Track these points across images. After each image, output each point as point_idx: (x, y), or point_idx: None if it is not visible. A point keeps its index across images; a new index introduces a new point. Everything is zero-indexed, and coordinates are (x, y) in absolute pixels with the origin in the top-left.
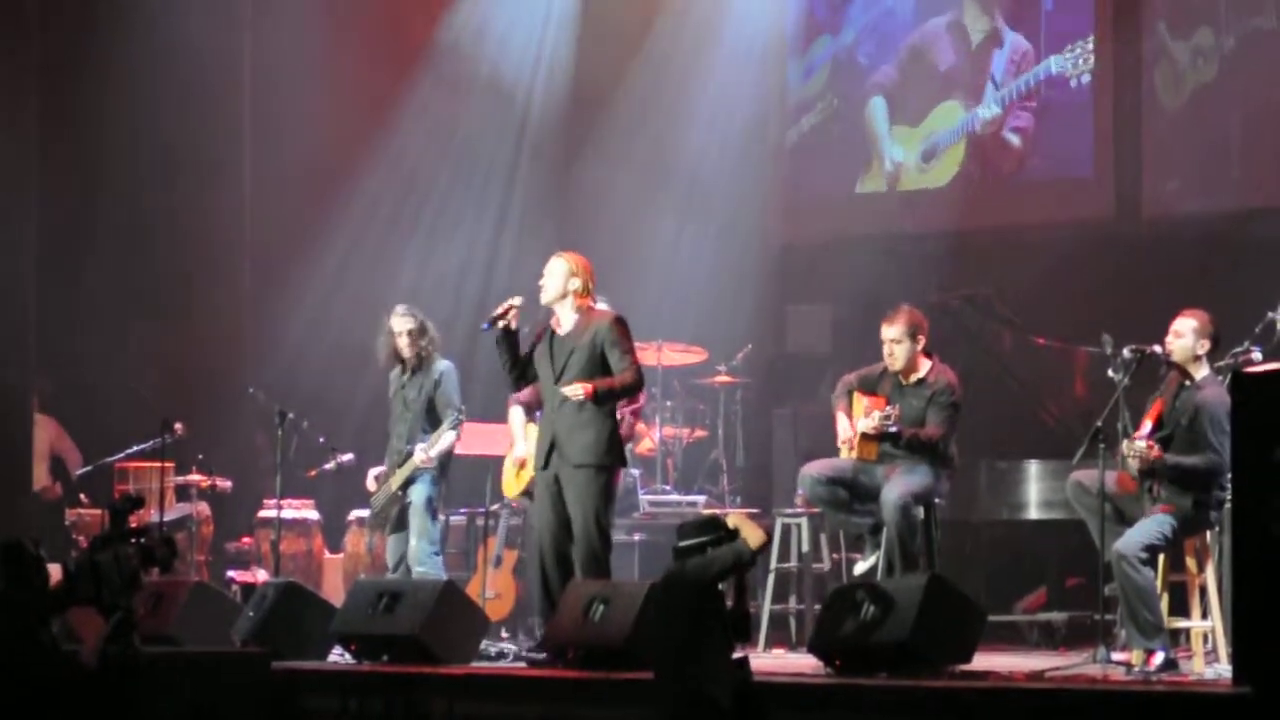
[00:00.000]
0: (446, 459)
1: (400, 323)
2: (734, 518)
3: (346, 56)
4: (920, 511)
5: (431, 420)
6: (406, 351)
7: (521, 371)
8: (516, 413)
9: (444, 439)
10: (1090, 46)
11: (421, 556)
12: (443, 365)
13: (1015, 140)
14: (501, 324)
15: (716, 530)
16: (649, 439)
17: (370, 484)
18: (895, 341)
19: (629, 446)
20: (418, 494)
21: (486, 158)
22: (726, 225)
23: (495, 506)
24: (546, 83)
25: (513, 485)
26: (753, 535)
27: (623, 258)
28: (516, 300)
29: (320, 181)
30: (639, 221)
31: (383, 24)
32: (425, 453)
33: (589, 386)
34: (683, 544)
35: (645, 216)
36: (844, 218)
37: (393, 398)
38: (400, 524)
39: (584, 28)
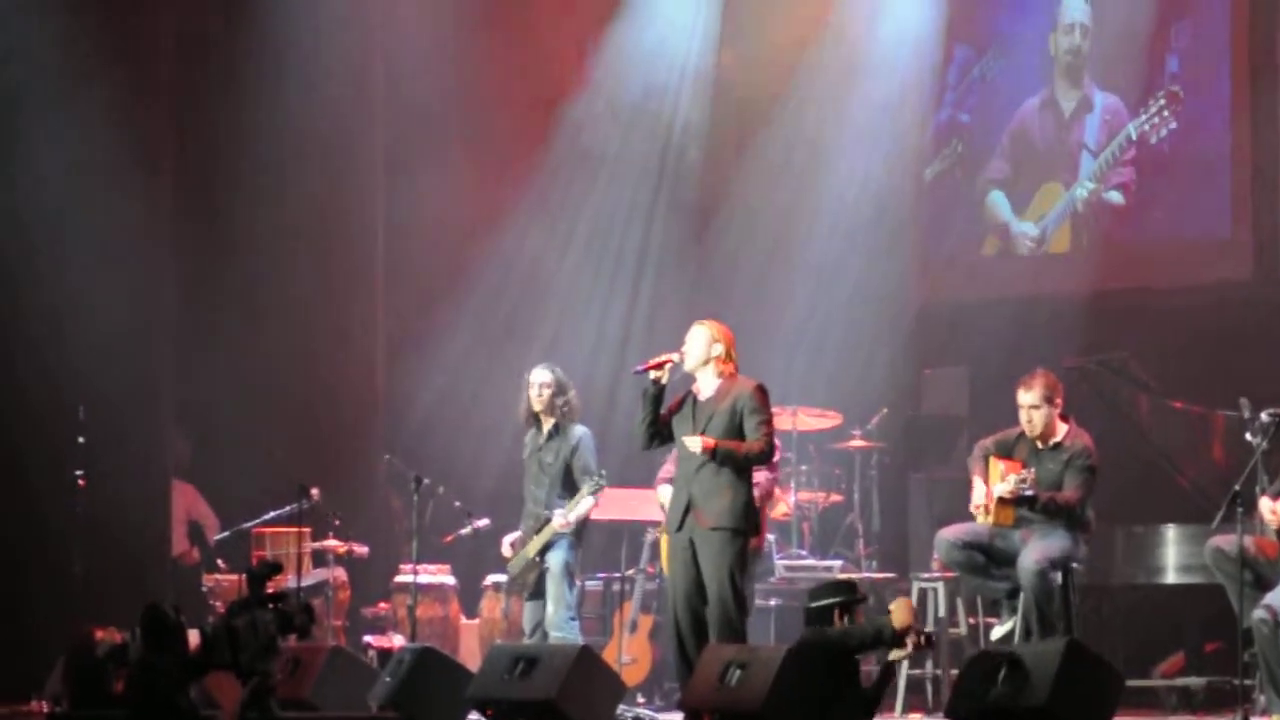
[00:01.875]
0: (583, 525)
1: (540, 376)
2: (901, 602)
3: (484, 106)
4: (1058, 576)
5: (568, 485)
6: (543, 408)
7: (656, 429)
8: (665, 490)
9: (582, 504)
10: (1161, 102)
11: (559, 622)
12: (580, 430)
13: (1118, 199)
14: (655, 375)
15: (848, 593)
16: (784, 503)
17: (506, 550)
18: (1033, 408)
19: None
20: (555, 560)
21: (624, 215)
22: (861, 286)
23: (631, 571)
24: (682, 134)
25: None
26: (900, 616)
27: (757, 319)
28: (675, 356)
29: (456, 240)
30: (773, 282)
31: (518, 74)
32: (564, 518)
33: (709, 441)
34: (814, 604)
35: (780, 277)
36: (979, 280)
37: (527, 459)
38: (537, 590)
39: (721, 75)
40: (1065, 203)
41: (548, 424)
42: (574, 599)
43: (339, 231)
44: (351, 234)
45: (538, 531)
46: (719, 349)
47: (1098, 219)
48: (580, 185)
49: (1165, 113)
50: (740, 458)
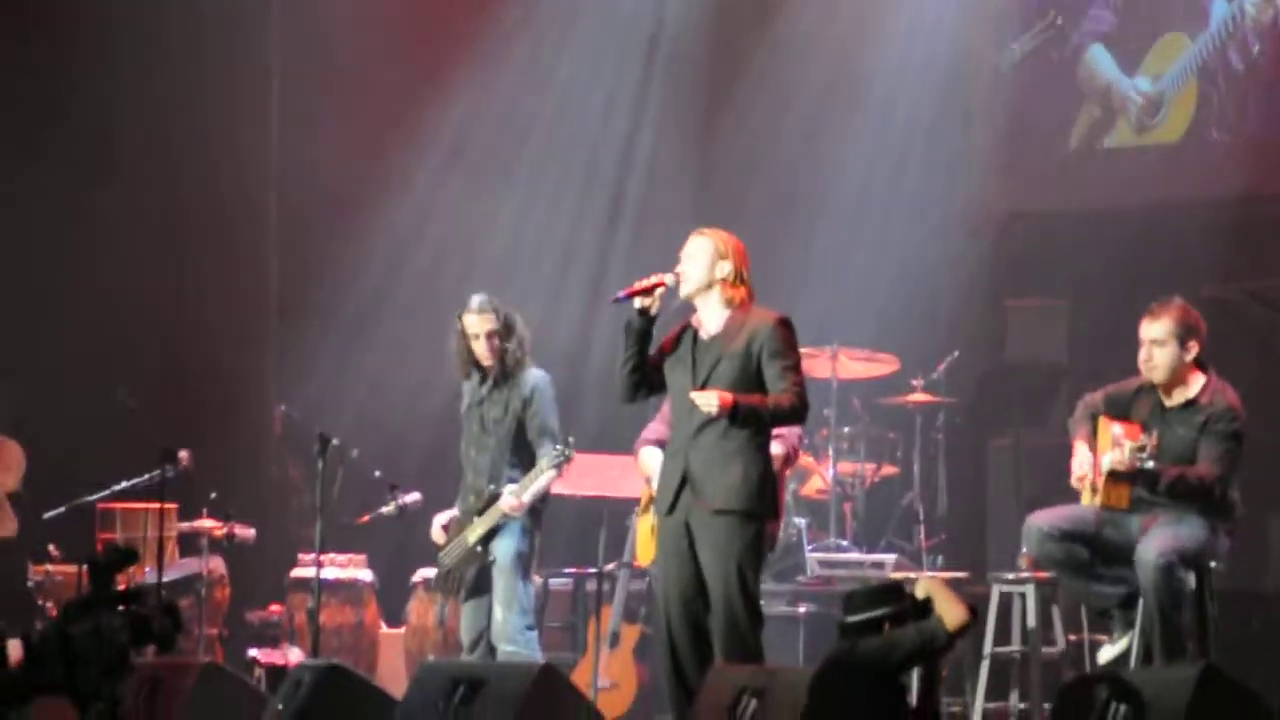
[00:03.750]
0: (542, 504)
1: (477, 322)
2: (927, 584)
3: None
4: (1190, 578)
5: (520, 450)
6: (486, 359)
7: (643, 375)
8: (651, 454)
9: (541, 479)
10: None
11: (510, 632)
12: (536, 376)
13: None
14: (642, 302)
15: (898, 601)
16: (819, 476)
17: (437, 535)
18: (1158, 343)
19: (791, 486)
20: (504, 550)
21: (598, 105)
22: (921, 193)
23: (611, 566)
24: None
25: (650, 549)
26: (951, 612)
27: (782, 237)
28: (669, 277)
29: (376, 130)
30: (804, 187)
31: None
32: (516, 497)
33: (727, 397)
34: (852, 619)
35: (813, 179)
36: (1082, 180)
37: (466, 415)
38: (480, 588)
39: None
40: (1191, 54)
41: (493, 370)
42: (530, 602)
43: (225, 107)
44: (240, 102)
45: (480, 512)
46: (726, 268)
47: (1239, 83)
48: (546, 53)
49: None
50: (766, 416)
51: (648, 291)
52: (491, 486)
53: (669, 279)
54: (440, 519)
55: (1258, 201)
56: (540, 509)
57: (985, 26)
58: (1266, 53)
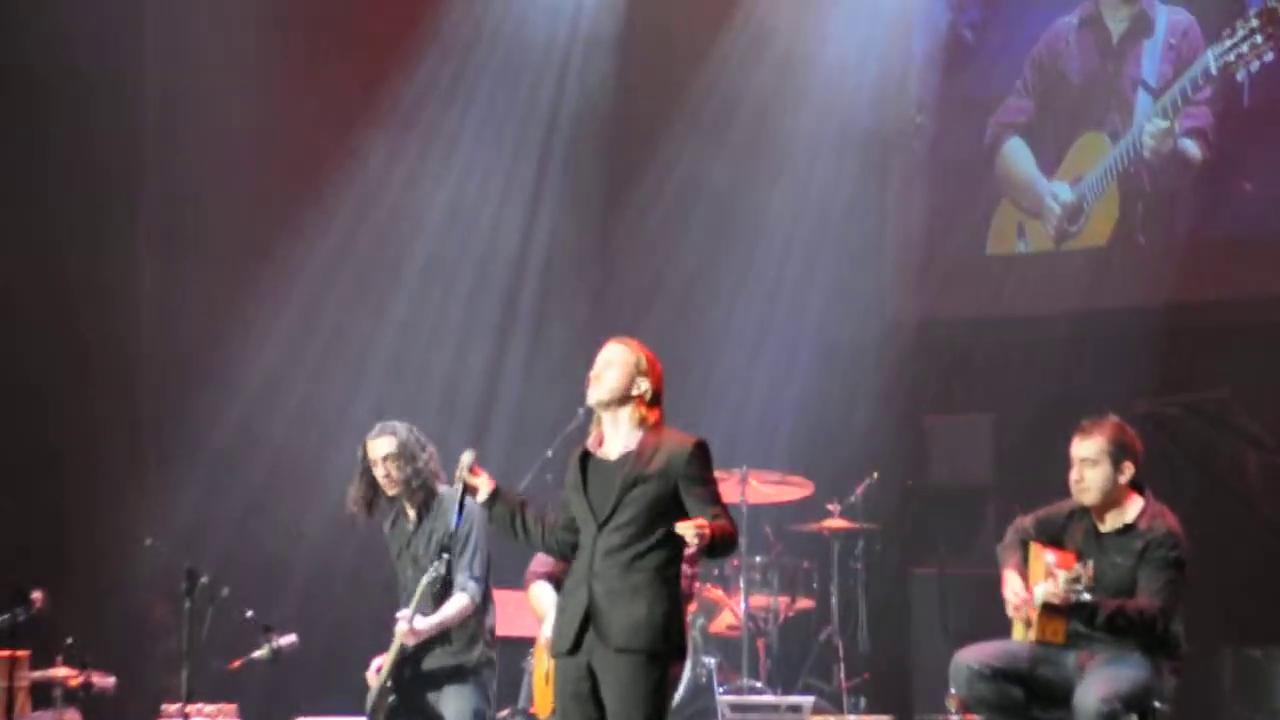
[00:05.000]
0: (485, 647)
1: (379, 446)
2: None
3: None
4: None
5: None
6: (394, 488)
7: (549, 529)
8: (543, 590)
9: (450, 604)
10: (1254, 24)
11: None
12: (445, 492)
13: (1194, 149)
14: (475, 482)
15: None
16: (730, 611)
17: (371, 677)
18: (1089, 463)
19: (699, 621)
20: (457, 712)
21: (490, 207)
22: (835, 300)
23: (504, 714)
24: (579, 102)
25: (546, 695)
26: None
27: (685, 349)
28: (466, 458)
29: (249, 236)
30: (707, 296)
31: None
32: (408, 622)
33: (704, 525)
34: None
35: (717, 284)
36: (1000, 285)
37: (397, 561)
38: None
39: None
40: (1112, 158)
41: (412, 507)
42: None
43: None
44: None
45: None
46: (644, 385)
47: (1162, 180)
48: (430, 163)
49: (1259, 39)
50: (727, 543)
51: (469, 489)
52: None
53: (465, 458)
54: (376, 661)
55: (1190, 309)
56: (484, 654)
57: (904, 101)
58: (1190, 155)
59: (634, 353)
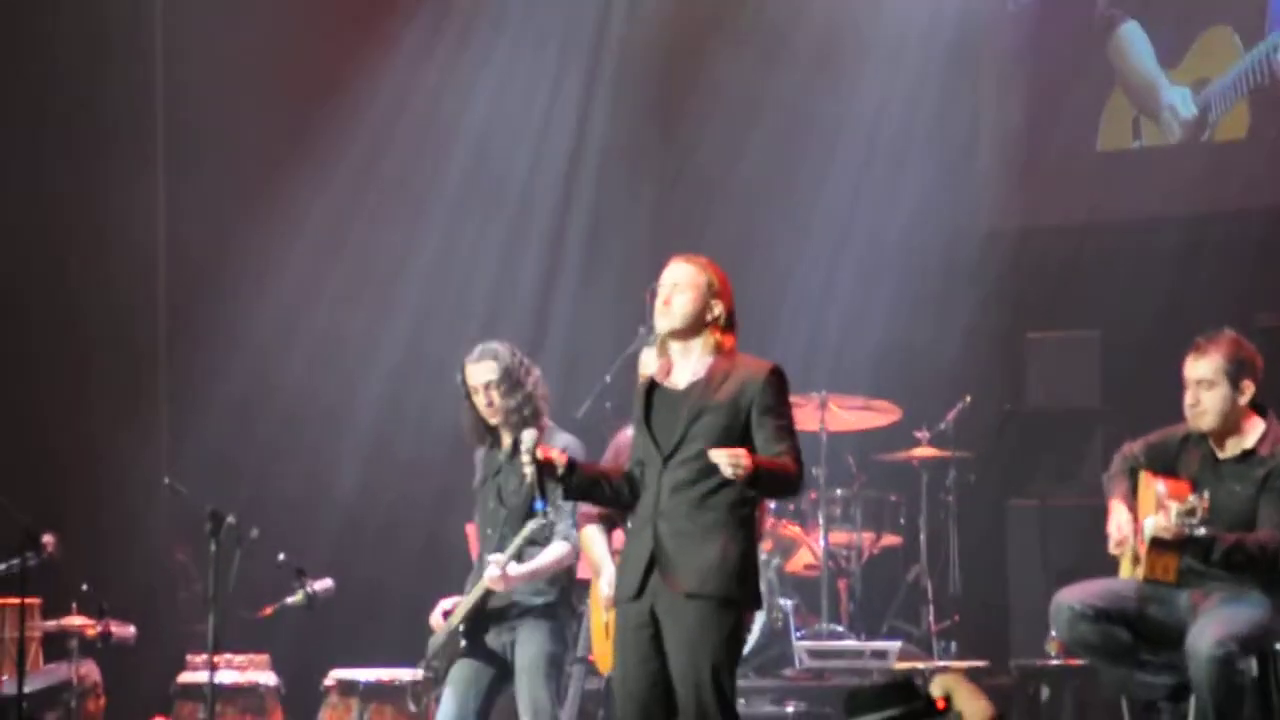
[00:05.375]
0: (566, 587)
1: (479, 371)
2: (945, 680)
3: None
4: (1252, 666)
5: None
6: (495, 416)
7: (626, 497)
8: (594, 537)
9: (549, 552)
10: None
11: None
12: (566, 440)
13: None
14: (552, 476)
15: (909, 700)
16: (808, 549)
17: (436, 622)
18: (1206, 385)
19: (775, 561)
20: (529, 653)
21: (535, 120)
22: (922, 210)
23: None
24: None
25: (607, 650)
26: (973, 710)
27: (752, 265)
28: (527, 440)
29: (266, 153)
30: (778, 205)
31: None
32: (500, 567)
33: (747, 458)
34: (856, 719)
35: (788, 195)
36: (1111, 187)
37: (481, 490)
38: (467, 678)
39: None
40: (1244, 65)
41: (510, 435)
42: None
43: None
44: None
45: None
46: (718, 309)
47: None
48: (465, 68)
49: None
50: (780, 484)
51: (541, 469)
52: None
53: (528, 440)
54: (445, 605)
55: None
56: (566, 597)
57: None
58: None
59: (704, 272)
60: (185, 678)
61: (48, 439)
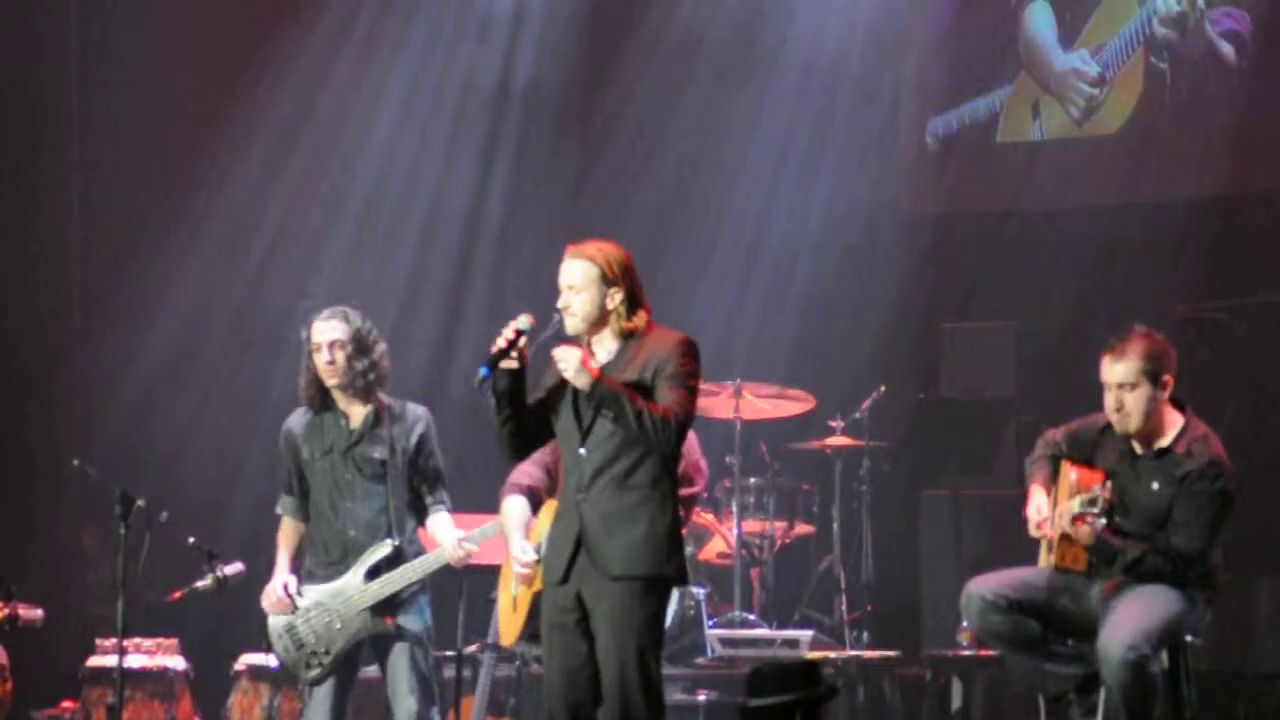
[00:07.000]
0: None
1: (326, 329)
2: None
3: None
4: (1162, 660)
5: (414, 501)
6: (334, 377)
7: (526, 431)
8: (516, 505)
9: (447, 521)
10: None
11: None
12: (422, 412)
13: (1227, 50)
14: (509, 364)
15: (809, 686)
16: (721, 537)
17: (275, 603)
18: (1127, 387)
19: (688, 550)
20: (412, 624)
21: (454, 90)
22: (840, 188)
23: (473, 648)
24: None
25: (512, 624)
26: None
27: (670, 251)
28: (522, 322)
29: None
30: (696, 186)
31: None
32: (467, 544)
33: (586, 365)
34: (755, 704)
35: (707, 174)
36: (1029, 174)
37: (315, 461)
38: (339, 672)
39: None
40: (1136, 22)
41: (354, 404)
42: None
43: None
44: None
45: (373, 573)
46: (618, 296)
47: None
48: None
49: None
50: (647, 423)
51: (506, 351)
52: (390, 540)
53: (522, 323)
54: (280, 581)
55: (1236, 203)
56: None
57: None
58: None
59: (595, 264)
60: (94, 662)
61: None
